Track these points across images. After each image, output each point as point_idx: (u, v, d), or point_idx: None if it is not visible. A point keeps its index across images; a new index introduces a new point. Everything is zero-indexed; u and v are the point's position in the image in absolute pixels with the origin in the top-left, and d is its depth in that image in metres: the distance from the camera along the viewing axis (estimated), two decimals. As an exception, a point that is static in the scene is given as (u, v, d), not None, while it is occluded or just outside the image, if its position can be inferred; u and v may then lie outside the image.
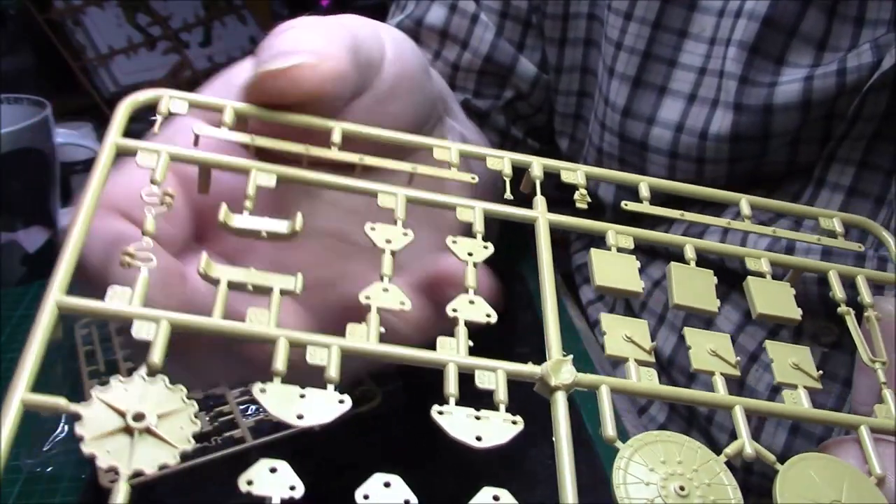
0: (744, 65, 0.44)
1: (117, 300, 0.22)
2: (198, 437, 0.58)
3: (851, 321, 0.28)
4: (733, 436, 0.24)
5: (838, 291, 0.29)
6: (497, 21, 0.55)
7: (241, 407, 0.54)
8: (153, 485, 0.48)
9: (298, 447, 0.49)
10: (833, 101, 0.43)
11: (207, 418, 0.53)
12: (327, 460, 0.40)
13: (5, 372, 0.58)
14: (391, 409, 0.50)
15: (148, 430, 0.20)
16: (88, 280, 0.26)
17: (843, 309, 0.29)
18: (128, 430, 0.20)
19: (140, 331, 0.22)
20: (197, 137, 0.27)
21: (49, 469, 0.49)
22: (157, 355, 0.21)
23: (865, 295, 0.29)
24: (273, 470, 0.20)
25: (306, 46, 0.28)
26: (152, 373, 0.21)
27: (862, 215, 0.43)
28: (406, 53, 0.32)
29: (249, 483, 0.20)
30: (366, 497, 0.20)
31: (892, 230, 0.30)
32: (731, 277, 0.45)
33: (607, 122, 0.51)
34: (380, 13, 0.34)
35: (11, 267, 0.71)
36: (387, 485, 0.20)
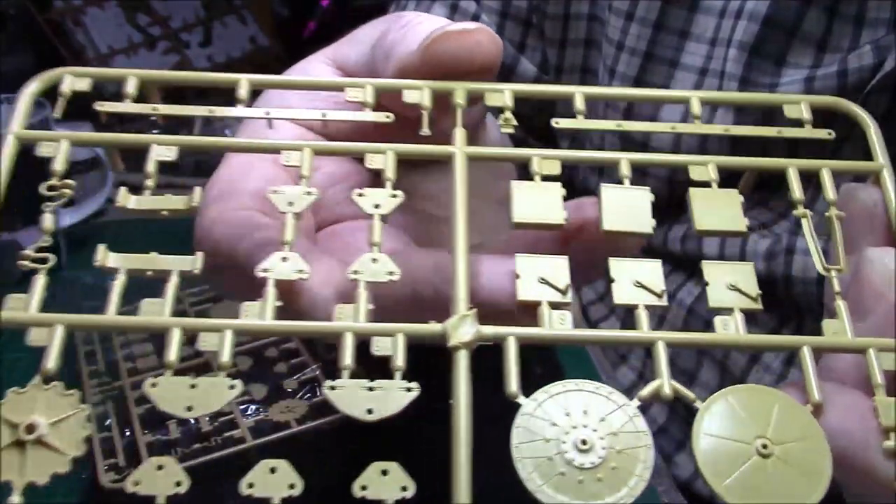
0: (744, 66, 0.44)
1: (13, 307, 0.23)
2: (198, 437, 0.58)
3: (807, 224, 0.26)
4: None
5: (796, 191, 0.27)
6: (498, 21, 0.55)
7: (241, 407, 0.54)
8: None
9: (298, 447, 0.49)
10: None
11: (207, 418, 0.53)
12: (327, 460, 0.40)
13: (5, 372, 0.58)
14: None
15: (39, 441, 0.20)
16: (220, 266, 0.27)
17: (799, 211, 0.26)
18: (20, 444, 0.20)
19: (35, 338, 0.22)
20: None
21: (49, 469, 0.49)
22: (51, 361, 0.21)
23: (829, 191, 0.27)
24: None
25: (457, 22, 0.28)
26: (47, 380, 0.21)
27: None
28: None
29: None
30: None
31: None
32: None
33: (609, 112, 0.51)
34: (380, 13, 0.34)
35: (11, 267, 0.71)
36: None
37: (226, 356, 0.22)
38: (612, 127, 0.29)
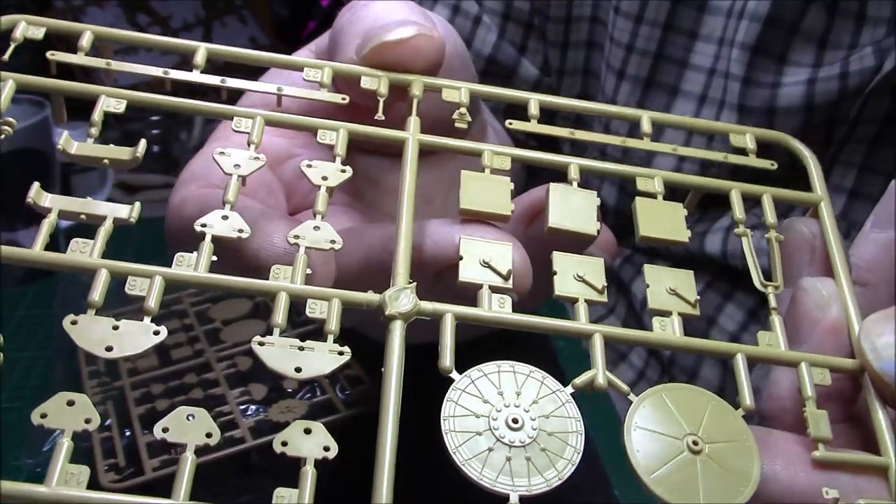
0: (746, 66, 0.44)
1: None
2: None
3: (748, 243, 0.27)
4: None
5: (738, 212, 0.28)
6: (499, 23, 0.55)
7: (241, 407, 0.54)
8: (153, 485, 0.48)
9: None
10: (835, 104, 0.43)
11: (207, 418, 0.53)
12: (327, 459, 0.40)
13: (6, 372, 0.58)
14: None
15: None
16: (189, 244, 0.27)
17: (739, 231, 0.27)
18: None
19: None
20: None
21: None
22: None
23: (769, 215, 0.28)
24: (308, 431, 0.20)
25: (411, 17, 0.28)
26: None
27: (864, 217, 0.43)
28: (452, 35, 0.33)
29: (284, 444, 0.20)
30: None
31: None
32: (734, 275, 0.46)
33: (612, 125, 0.51)
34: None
35: (11, 267, 0.71)
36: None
37: (152, 301, 0.22)
38: (565, 134, 0.30)
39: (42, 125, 0.74)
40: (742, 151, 0.30)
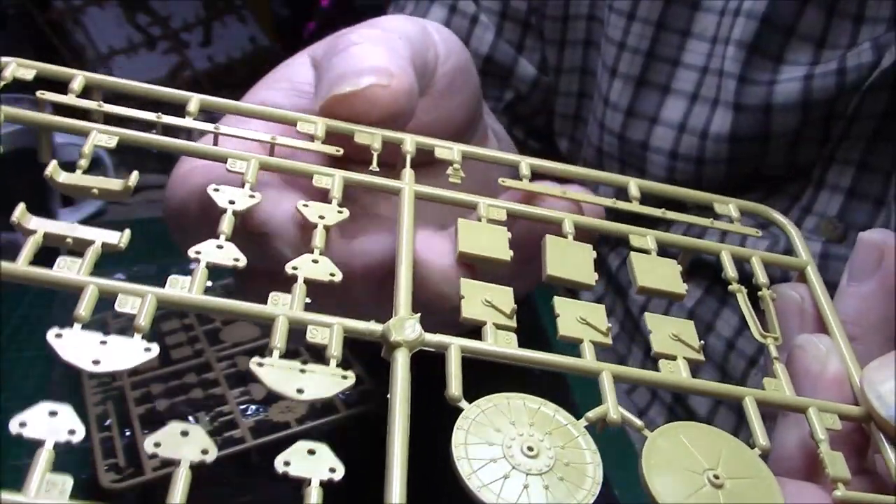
0: (742, 64, 0.44)
1: None
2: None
3: (743, 299, 0.28)
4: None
5: (730, 270, 0.28)
6: (496, 22, 0.55)
7: (241, 407, 0.54)
8: (153, 485, 0.48)
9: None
10: (832, 100, 0.42)
11: (207, 418, 0.53)
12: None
13: (6, 372, 0.58)
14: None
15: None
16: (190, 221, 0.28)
17: (733, 287, 0.28)
18: None
19: None
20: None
21: (49, 469, 0.49)
22: None
23: (760, 275, 0.29)
24: (311, 452, 0.19)
25: (374, 63, 0.28)
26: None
27: (862, 217, 0.43)
28: (455, 47, 0.33)
29: (286, 464, 0.19)
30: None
31: (892, 230, 0.30)
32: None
33: (607, 123, 0.51)
34: (379, 13, 0.34)
35: (11, 267, 0.71)
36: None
37: (143, 319, 0.21)
38: (557, 193, 0.30)
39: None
40: (728, 218, 0.31)
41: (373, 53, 0.28)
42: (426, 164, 0.29)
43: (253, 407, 0.54)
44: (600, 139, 0.52)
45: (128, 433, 0.52)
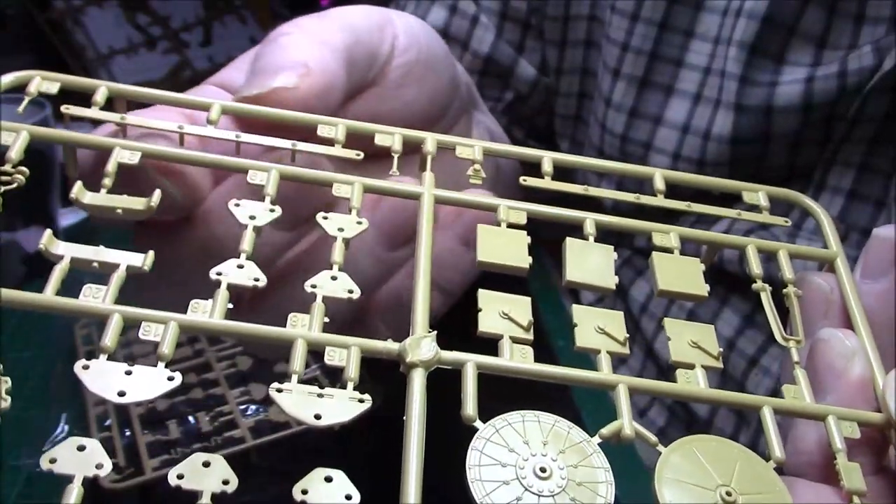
0: (744, 65, 0.44)
1: None
2: (198, 437, 0.58)
3: (766, 298, 0.27)
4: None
5: (755, 267, 0.28)
6: (497, 22, 0.55)
7: (241, 407, 0.54)
8: (154, 485, 0.48)
9: (298, 448, 0.49)
10: (834, 103, 0.42)
11: (207, 418, 0.53)
12: (327, 461, 0.40)
13: (6, 372, 0.58)
14: (393, 410, 0.50)
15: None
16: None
17: (758, 285, 0.27)
18: None
19: None
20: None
21: (49, 469, 0.49)
22: None
23: (786, 271, 0.28)
24: (329, 479, 0.20)
25: (294, 57, 0.28)
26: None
27: (863, 220, 0.43)
28: (420, 39, 0.33)
29: (304, 493, 0.19)
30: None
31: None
32: (730, 280, 0.45)
33: (608, 124, 0.51)
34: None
35: (11, 267, 0.71)
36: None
37: (166, 347, 0.22)
38: (579, 191, 0.30)
39: (42, 125, 0.74)
40: (756, 208, 0.30)
41: (298, 46, 0.29)
42: (374, 156, 0.29)
43: (253, 407, 0.54)
44: (601, 140, 0.51)
45: (128, 433, 0.52)
